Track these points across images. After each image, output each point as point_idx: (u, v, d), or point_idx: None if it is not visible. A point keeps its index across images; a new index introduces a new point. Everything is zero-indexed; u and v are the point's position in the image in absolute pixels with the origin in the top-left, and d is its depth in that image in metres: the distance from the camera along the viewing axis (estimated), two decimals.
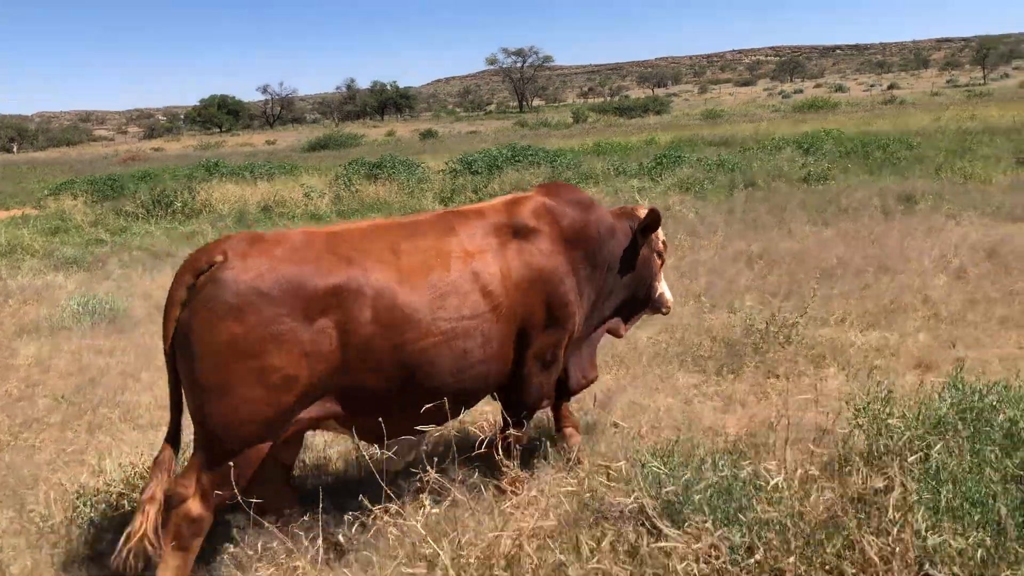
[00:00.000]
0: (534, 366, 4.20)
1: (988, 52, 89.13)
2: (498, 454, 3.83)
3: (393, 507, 3.30)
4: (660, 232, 4.85)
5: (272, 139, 65.28)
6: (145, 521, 3.40)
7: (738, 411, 5.63)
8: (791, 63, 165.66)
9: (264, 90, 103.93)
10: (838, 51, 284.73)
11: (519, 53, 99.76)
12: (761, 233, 11.64)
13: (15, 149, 74.13)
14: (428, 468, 3.32)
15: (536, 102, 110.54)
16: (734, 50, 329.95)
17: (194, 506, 3.43)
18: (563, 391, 4.81)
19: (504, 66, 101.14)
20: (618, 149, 26.95)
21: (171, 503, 3.44)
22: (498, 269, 3.95)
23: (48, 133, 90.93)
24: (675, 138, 30.64)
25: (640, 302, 4.97)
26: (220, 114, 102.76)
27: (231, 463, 3.42)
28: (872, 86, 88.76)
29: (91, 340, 8.32)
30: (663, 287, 4.99)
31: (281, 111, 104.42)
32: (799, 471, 3.18)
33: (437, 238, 3.90)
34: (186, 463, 3.59)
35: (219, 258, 3.42)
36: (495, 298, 3.89)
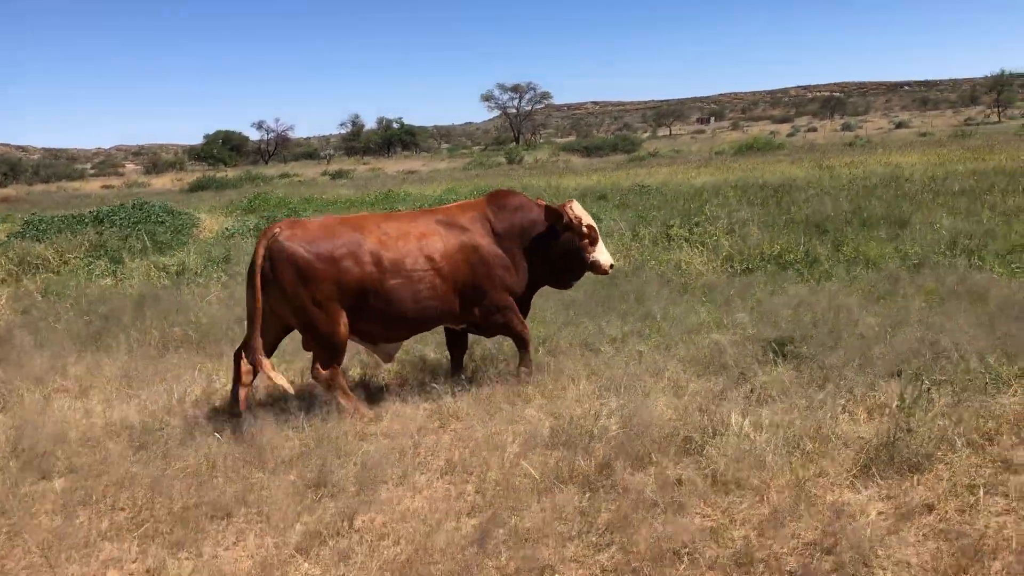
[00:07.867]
0: (486, 311, 6.35)
1: (1003, 89, 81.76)
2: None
3: None
4: (585, 218, 6.50)
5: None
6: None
7: None
8: (832, 100, 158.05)
9: (259, 126, 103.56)
10: (905, 87, 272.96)
11: (515, 89, 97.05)
12: None
13: None
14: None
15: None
16: (799, 86, 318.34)
17: (318, 375, 5.93)
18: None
19: (500, 103, 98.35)
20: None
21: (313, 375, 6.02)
22: (442, 245, 6.19)
23: (51, 168, 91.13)
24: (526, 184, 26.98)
25: (576, 270, 6.69)
26: (223, 150, 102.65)
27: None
28: (898, 125, 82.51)
29: None
30: (597, 255, 6.57)
31: (276, 147, 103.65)
32: None
33: (409, 222, 6.32)
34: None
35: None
36: (435, 262, 6.13)
